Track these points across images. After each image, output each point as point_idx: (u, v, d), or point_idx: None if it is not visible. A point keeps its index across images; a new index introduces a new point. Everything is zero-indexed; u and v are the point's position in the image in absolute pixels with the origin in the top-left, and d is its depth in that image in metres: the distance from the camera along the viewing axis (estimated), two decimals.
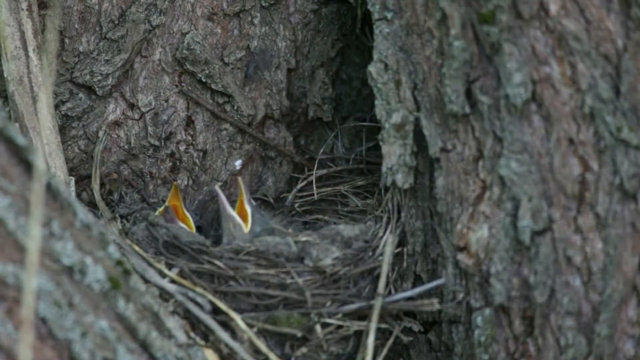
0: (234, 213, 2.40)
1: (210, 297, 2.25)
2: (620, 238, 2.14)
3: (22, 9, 2.44)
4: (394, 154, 2.31)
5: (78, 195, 2.50)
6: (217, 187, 2.44)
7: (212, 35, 2.56)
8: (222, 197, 2.41)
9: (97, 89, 2.53)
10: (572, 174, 2.16)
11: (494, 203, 2.21)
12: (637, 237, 2.14)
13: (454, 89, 2.21)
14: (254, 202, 2.48)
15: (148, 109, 2.57)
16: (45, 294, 1.90)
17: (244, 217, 2.42)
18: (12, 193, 1.89)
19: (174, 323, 2.10)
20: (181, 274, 2.28)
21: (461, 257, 2.24)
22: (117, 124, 2.56)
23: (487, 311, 2.23)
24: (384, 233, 2.34)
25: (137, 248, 2.32)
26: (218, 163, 2.60)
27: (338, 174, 2.64)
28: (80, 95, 2.53)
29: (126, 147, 2.58)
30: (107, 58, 2.53)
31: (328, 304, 2.28)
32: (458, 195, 2.25)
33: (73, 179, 2.48)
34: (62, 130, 2.52)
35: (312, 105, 2.64)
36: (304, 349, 2.28)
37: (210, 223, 2.58)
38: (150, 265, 2.28)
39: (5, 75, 2.44)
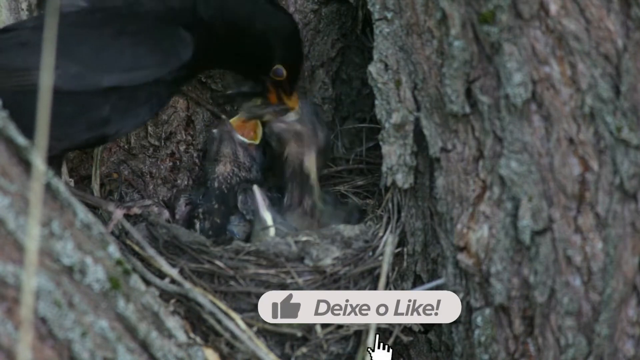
0: (267, 216, 2.39)
1: (211, 297, 2.25)
2: (620, 238, 2.14)
3: (22, 9, 2.44)
4: (394, 154, 2.31)
5: None
6: (255, 187, 2.42)
7: None
8: (259, 197, 2.39)
9: None
10: (572, 174, 2.16)
11: (494, 203, 2.21)
12: (637, 237, 2.14)
13: (454, 89, 2.21)
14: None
15: None
16: (45, 294, 1.90)
17: None
18: (12, 193, 1.89)
19: (174, 323, 2.10)
20: (181, 273, 2.28)
21: (461, 257, 2.24)
22: None
23: (487, 311, 2.23)
24: (384, 233, 2.34)
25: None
26: None
27: (338, 174, 2.64)
28: None
29: (126, 147, 2.58)
30: None
31: None
32: (458, 195, 2.25)
33: (72, 180, 2.48)
34: None
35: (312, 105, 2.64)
36: (304, 349, 2.28)
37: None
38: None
39: None
